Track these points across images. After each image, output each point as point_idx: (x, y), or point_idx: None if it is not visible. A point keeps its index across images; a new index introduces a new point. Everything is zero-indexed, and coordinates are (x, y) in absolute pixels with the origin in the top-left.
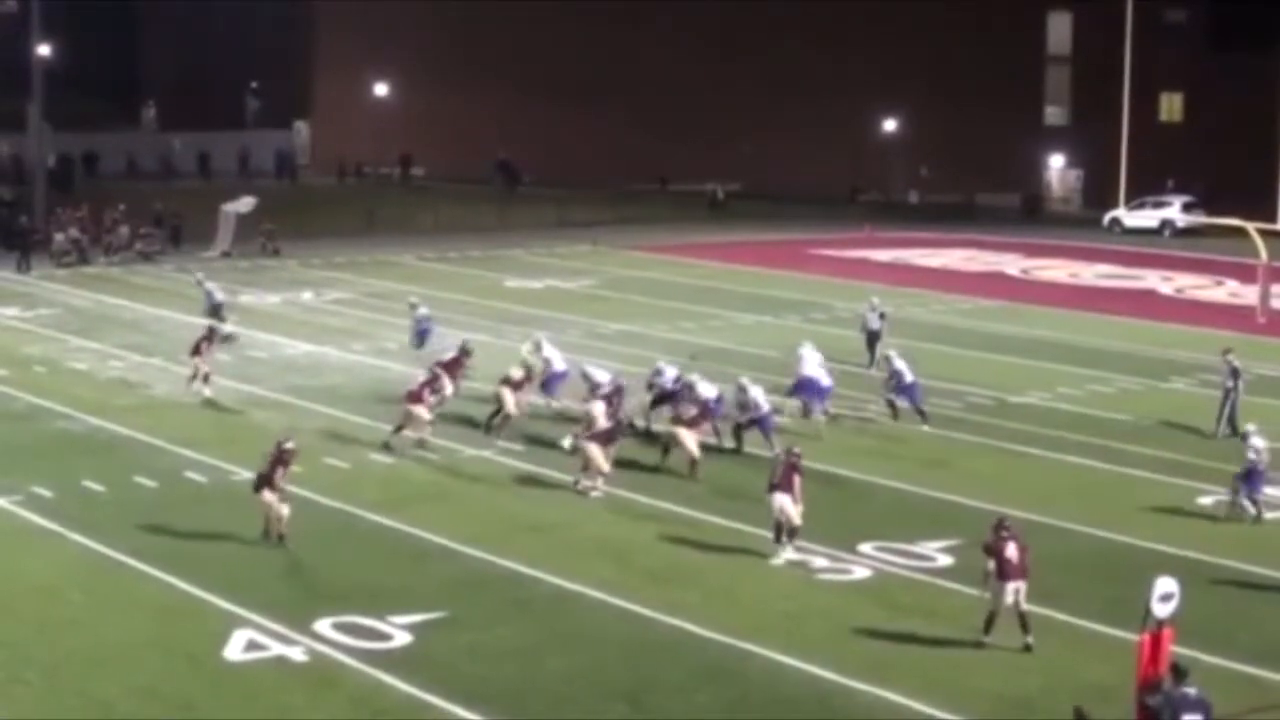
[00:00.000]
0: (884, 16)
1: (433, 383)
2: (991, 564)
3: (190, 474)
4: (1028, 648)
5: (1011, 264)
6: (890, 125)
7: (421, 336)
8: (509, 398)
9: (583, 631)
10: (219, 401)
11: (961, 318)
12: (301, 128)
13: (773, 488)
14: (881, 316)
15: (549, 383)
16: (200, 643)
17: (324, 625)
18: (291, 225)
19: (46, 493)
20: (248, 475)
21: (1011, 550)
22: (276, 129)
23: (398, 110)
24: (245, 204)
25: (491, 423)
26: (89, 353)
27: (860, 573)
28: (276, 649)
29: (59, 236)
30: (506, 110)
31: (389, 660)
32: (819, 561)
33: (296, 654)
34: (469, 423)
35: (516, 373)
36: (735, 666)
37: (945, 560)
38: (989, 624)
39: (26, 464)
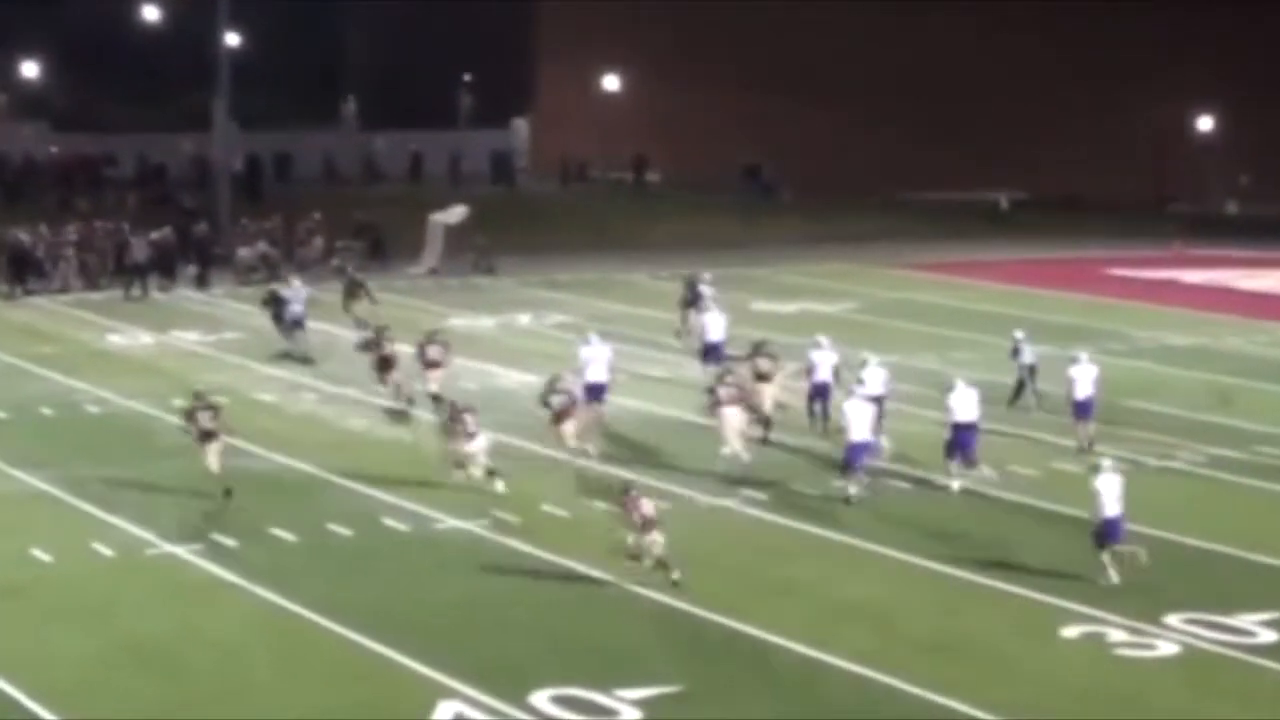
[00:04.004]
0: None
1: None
2: None
3: (389, 520)
4: None
5: None
6: (1205, 125)
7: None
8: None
9: (839, 710)
10: (421, 439)
11: None
12: (520, 126)
13: None
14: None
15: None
16: (400, 715)
17: (541, 699)
18: (508, 238)
19: (229, 541)
20: (452, 522)
21: None
22: (492, 128)
23: (630, 107)
24: (456, 214)
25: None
26: (277, 382)
27: (1165, 648)
28: None
29: (244, 251)
30: (754, 109)
31: None
32: (1117, 634)
33: None
34: (704, 470)
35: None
36: None
37: (1268, 636)
38: None
39: (209, 509)
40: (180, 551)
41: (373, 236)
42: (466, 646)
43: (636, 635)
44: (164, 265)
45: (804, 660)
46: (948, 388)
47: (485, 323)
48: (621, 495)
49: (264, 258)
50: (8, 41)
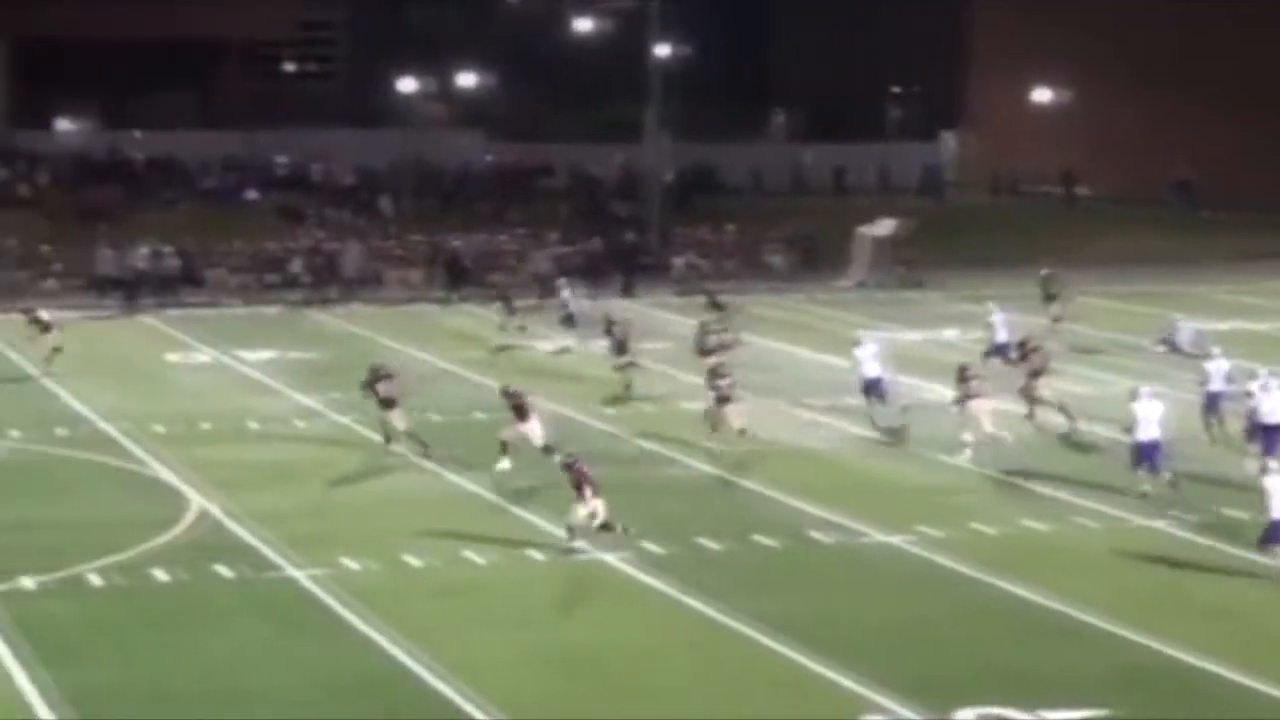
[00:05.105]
0: None
1: None
2: None
3: (814, 533)
4: None
5: None
6: None
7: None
8: None
9: None
10: (843, 450)
11: None
12: (949, 139)
13: None
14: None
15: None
16: None
17: (967, 716)
18: (936, 251)
19: (657, 549)
20: (878, 537)
21: None
22: (921, 140)
23: (1061, 119)
24: (884, 227)
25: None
26: (701, 391)
27: None
28: None
29: (678, 261)
30: (1188, 122)
31: None
32: None
33: None
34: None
35: None
36: None
37: None
38: None
39: (635, 515)
40: (608, 558)
41: (805, 247)
42: (890, 661)
43: (1064, 656)
44: (592, 274)
45: (1238, 689)
46: None
47: (911, 336)
48: (568, 469)
49: (693, 267)
50: (446, 52)
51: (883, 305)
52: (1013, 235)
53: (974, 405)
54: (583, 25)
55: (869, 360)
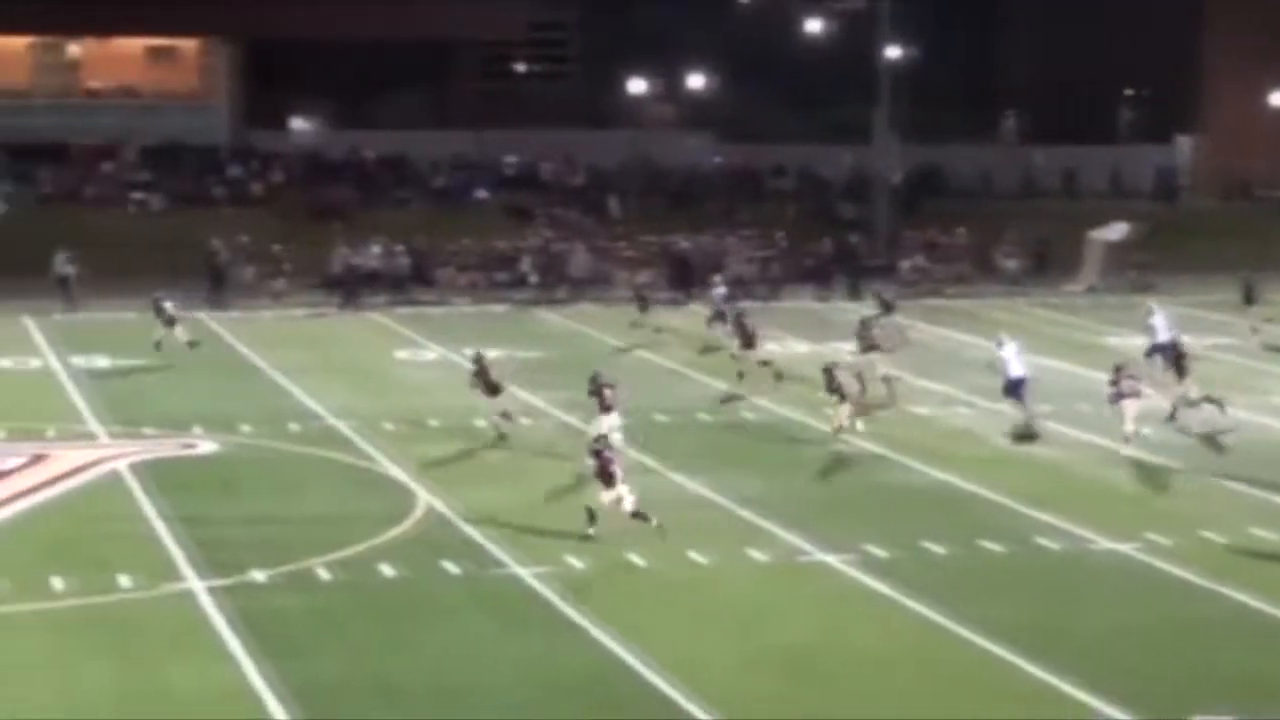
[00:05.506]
0: None
1: None
2: None
3: (1041, 539)
4: None
5: None
6: None
7: None
8: None
9: None
10: (1070, 456)
11: None
12: (1184, 142)
13: None
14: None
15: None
16: None
17: None
18: (1169, 256)
19: (881, 552)
20: (1106, 544)
21: None
22: (1155, 143)
23: None
24: (1116, 231)
25: None
26: (932, 396)
27: None
28: None
29: (905, 264)
30: None
31: None
32: None
33: None
34: None
35: None
36: None
37: None
38: None
39: (860, 519)
40: (832, 560)
41: (1037, 251)
42: (1118, 670)
43: None
44: (820, 277)
45: None
46: None
47: (1140, 342)
48: (595, 456)
49: (922, 271)
50: (675, 54)
51: (1113, 310)
52: (1245, 240)
53: (1126, 404)
54: (812, 26)
55: (1013, 360)
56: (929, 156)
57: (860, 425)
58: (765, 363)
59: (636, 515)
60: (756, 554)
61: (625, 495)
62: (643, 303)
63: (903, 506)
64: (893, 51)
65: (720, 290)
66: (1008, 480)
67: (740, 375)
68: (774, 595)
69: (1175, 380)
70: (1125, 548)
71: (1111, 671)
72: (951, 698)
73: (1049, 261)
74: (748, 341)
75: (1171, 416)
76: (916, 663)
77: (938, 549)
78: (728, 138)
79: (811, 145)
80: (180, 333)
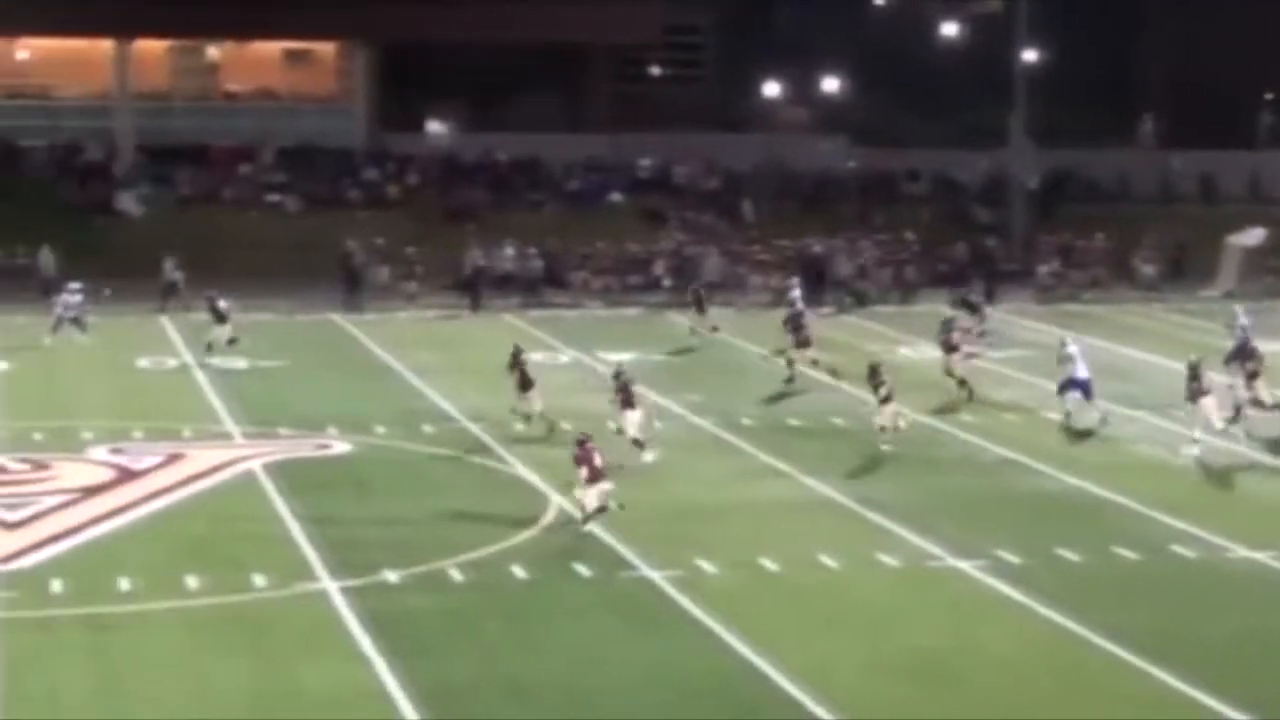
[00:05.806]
0: None
1: None
2: None
3: (1176, 547)
4: None
5: None
6: None
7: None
8: None
9: None
10: (1209, 463)
11: None
12: None
13: None
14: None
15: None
16: None
17: None
18: None
19: (1013, 558)
20: (1243, 552)
21: None
22: None
23: None
24: (1254, 236)
25: None
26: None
27: None
28: None
29: (1041, 268)
30: None
31: None
32: None
33: None
34: None
35: None
36: None
37: None
38: None
39: (993, 524)
40: (963, 565)
41: (1175, 256)
42: (1251, 679)
43: None
44: (956, 281)
45: None
46: None
47: (1275, 346)
48: (578, 445)
49: (1058, 276)
50: (809, 57)
51: (1253, 315)
52: None
53: (1204, 402)
54: (947, 29)
55: (1079, 360)
56: (1064, 160)
57: (903, 424)
58: (816, 361)
59: (600, 510)
60: (887, 558)
61: (601, 491)
62: (699, 304)
63: (1035, 512)
64: (1028, 54)
65: (797, 292)
66: (1142, 486)
67: (789, 379)
68: (904, 600)
69: (1245, 385)
70: (1262, 556)
71: (1239, 677)
72: (1079, 703)
73: (1186, 267)
74: (803, 341)
75: (1234, 419)
76: (1046, 669)
77: (1071, 555)
78: (861, 141)
79: (946, 149)
80: (226, 331)
